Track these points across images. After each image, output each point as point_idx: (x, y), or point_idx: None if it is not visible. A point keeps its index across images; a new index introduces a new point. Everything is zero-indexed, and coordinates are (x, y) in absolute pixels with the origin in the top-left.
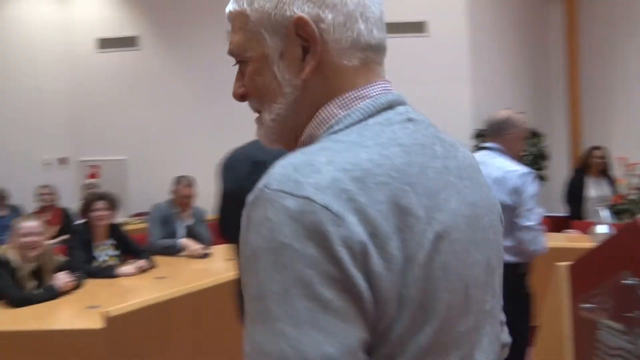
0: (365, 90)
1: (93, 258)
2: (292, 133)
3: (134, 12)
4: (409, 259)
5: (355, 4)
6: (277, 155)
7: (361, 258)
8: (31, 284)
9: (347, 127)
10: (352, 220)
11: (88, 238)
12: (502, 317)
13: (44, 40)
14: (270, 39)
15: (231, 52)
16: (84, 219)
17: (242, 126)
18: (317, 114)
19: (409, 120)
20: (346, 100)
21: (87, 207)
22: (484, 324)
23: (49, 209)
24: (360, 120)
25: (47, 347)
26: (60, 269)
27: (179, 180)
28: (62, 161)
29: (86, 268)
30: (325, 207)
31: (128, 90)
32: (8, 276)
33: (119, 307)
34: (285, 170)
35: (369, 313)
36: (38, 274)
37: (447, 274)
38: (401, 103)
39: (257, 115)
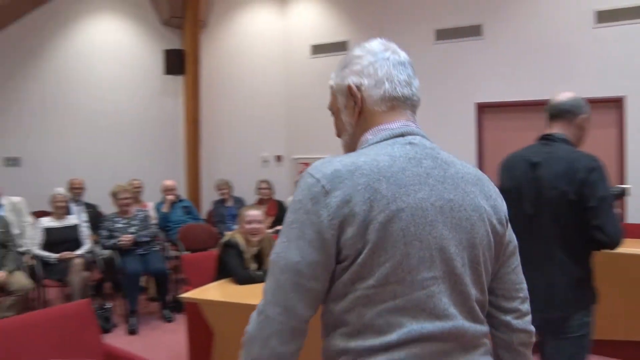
0: (388, 125)
1: None
2: (352, 148)
3: (343, 19)
4: (372, 217)
5: (383, 73)
6: (547, 159)
7: (335, 214)
8: (253, 266)
9: (369, 145)
10: (336, 192)
11: None
12: (518, 305)
13: (264, 48)
14: (339, 99)
15: (329, 109)
16: None
17: (425, 131)
18: (361, 138)
19: (410, 143)
20: (375, 130)
21: None
22: (453, 282)
23: (266, 201)
24: (377, 142)
25: None
26: None
27: None
28: (278, 159)
29: None
30: (323, 186)
31: None
32: (237, 257)
33: None
34: (318, 163)
35: (332, 248)
36: (259, 258)
37: (405, 233)
38: (412, 133)
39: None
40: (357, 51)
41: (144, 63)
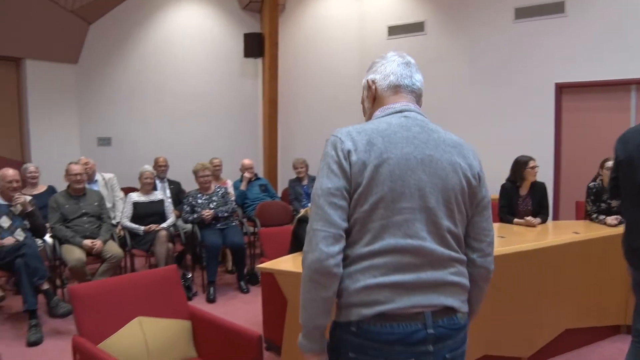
0: (392, 105)
1: None
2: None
3: (420, 0)
4: (369, 161)
5: (389, 70)
6: None
7: (348, 156)
8: None
9: (376, 118)
10: (348, 143)
11: None
12: (484, 247)
13: (341, 30)
14: (364, 92)
15: (361, 102)
16: None
17: (502, 111)
18: (374, 114)
19: (405, 116)
20: (382, 109)
21: None
22: (427, 213)
23: None
24: (383, 116)
25: None
26: None
27: None
28: None
29: None
30: (340, 138)
31: None
32: None
33: None
34: (340, 128)
35: (349, 177)
36: None
37: (391, 174)
38: (409, 110)
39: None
40: (377, 59)
41: (224, 47)
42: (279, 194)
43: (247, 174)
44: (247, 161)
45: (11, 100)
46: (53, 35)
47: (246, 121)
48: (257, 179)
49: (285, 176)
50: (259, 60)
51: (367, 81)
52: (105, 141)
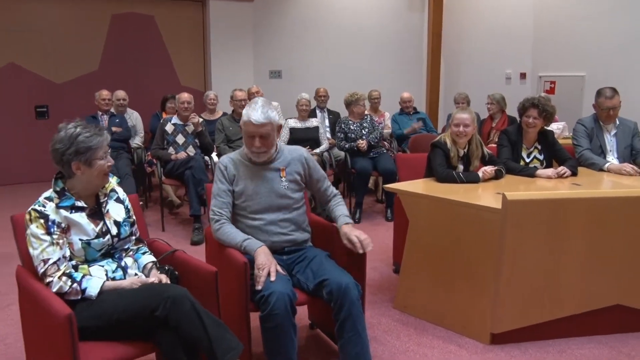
0: None
1: (520, 157)
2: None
3: None
4: None
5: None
6: None
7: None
8: (460, 167)
9: None
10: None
11: (518, 139)
12: None
13: None
14: None
15: None
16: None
17: None
18: None
19: None
20: None
21: (521, 112)
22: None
23: (496, 116)
24: None
25: (458, 214)
26: (484, 161)
27: (601, 92)
28: (522, 76)
29: (509, 165)
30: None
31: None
32: (441, 157)
33: (517, 193)
34: None
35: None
36: (466, 159)
37: None
38: None
39: None
40: None
41: None
42: (439, 129)
43: (415, 125)
44: (406, 94)
45: (197, 38)
46: None
47: (410, 54)
48: (416, 112)
49: (446, 111)
50: None
51: None
52: (276, 74)
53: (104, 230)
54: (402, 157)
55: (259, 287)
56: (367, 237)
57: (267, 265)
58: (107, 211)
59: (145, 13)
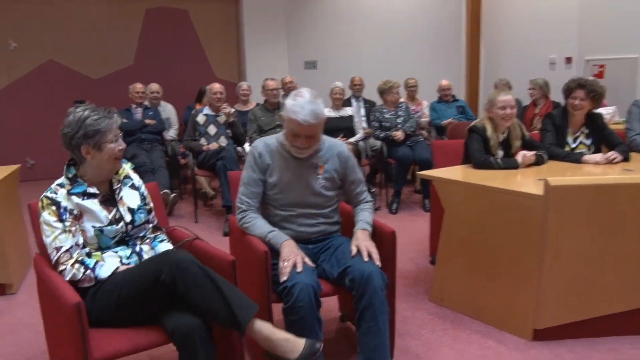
0: None
1: (565, 143)
2: None
3: None
4: None
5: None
6: None
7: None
8: (499, 153)
9: None
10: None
11: (563, 123)
12: None
13: None
14: None
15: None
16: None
17: None
18: None
19: None
20: None
21: (567, 94)
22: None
23: (539, 101)
24: None
25: (495, 202)
26: (524, 144)
27: None
28: (568, 60)
29: (553, 150)
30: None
31: None
32: (479, 142)
33: (560, 178)
34: None
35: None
36: (506, 145)
37: None
38: None
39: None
40: None
41: None
42: (480, 117)
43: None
44: (444, 82)
45: (231, 30)
46: None
47: (447, 41)
48: (455, 100)
49: (487, 99)
50: None
51: None
52: (311, 65)
53: (117, 217)
54: (438, 144)
55: (283, 279)
56: (377, 252)
57: (292, 257)
58: (121, 198)
59: (178, 7)
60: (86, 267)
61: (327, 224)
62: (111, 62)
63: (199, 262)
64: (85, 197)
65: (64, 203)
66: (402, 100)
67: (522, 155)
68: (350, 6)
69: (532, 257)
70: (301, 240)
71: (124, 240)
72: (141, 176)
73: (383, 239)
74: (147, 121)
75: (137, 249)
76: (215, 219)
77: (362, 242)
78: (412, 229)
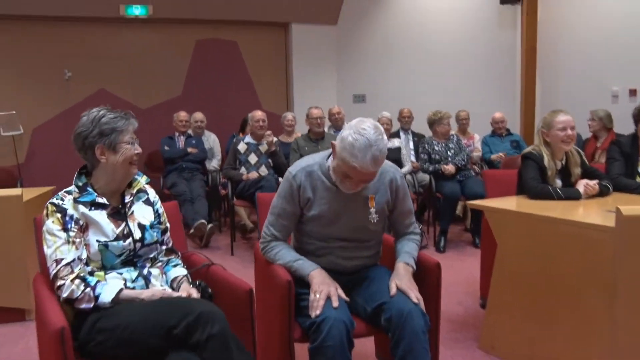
0: None
1: (637, 173)
2: None
3: None
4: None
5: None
6: None
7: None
8: (557, 182)
9: None
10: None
11: (633, 151)
12: None
13: None
14: None
15: None
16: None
17: None
18: None
19: None
20: None
21: (637, 118)
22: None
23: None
24: None
25: (556, 235)
26: (584, 173)
27: None
28: (633, 92)
29: (622, 181)
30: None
31: None
32: (534, 170)
33: (636, 208)
34: None
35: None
36: (564, 173)
37: None
38: None
39: None
40: None
41: None
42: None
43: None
44: (498, 115)
45: (280, 62)
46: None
47: (501, 72)
48: (509, 134)
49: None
50: (517, 7)
51: None
52: (360, 98)
53: (125, 232)
54: (490, 174)
55: (315, 313)
56: (419, 296)
57: (325, 288)
58: (132, 212)
59: (228, 39)
60: (87, 285)
61: (368, 258)
62: (160, 92)
63: (224, 318)
64: (93, 208)
65: (70, 211)
66: (452, 132)
67: (584, 185)
68: (401, 38)
69: (601, 299)
70: (332, 270)
71: (132, 261)
72: (180, 206)
73: (426, 272)
74: (190, 149)
75: (145, 272)
76: (250, 252)
77: (404, 283)
78: (460, 269)
